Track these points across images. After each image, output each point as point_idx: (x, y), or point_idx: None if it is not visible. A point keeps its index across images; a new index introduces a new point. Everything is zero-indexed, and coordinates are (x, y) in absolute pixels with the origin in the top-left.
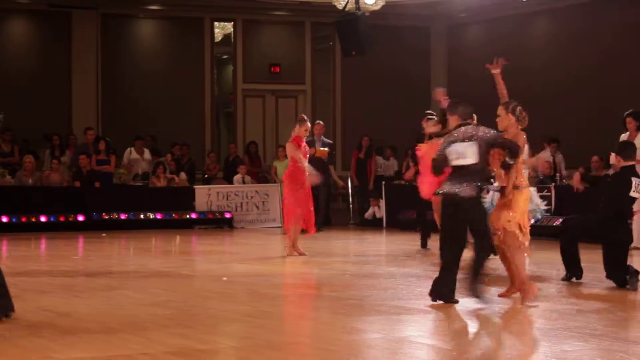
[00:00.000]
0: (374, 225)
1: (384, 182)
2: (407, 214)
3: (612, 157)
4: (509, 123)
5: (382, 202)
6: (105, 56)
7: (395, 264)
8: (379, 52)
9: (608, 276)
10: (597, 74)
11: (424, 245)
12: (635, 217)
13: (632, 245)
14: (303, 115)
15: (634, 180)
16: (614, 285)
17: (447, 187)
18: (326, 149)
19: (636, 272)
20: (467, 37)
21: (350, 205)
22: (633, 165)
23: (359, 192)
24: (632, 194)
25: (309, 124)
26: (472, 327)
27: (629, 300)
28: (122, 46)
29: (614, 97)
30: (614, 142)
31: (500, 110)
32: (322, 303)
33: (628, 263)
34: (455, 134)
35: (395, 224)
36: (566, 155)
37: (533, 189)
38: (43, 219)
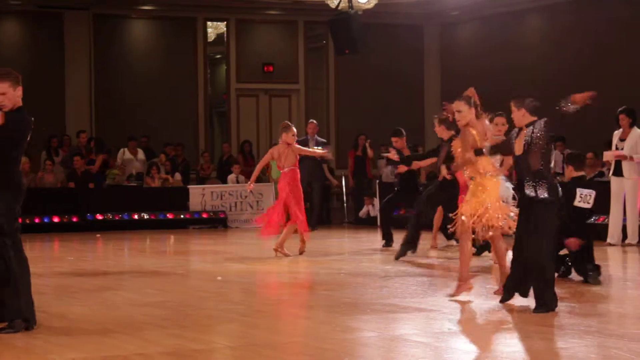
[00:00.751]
0: (369, 223)
1: (377, 181)
2: (402, 212)
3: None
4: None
5: (376, 201)
6: (98, 57)
7: (389, 262)
8: (372, 51)
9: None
10: (589, 70)
11: (389, 243)
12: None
13: (627, 241)
14: (286, 121)
15: (579, 191)
16: (609, 282)
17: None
18: (320, 147)
19: (597, 266)
20: (459, 35)
21: (345, 204)
22: (583, 176)
23: (356, 190)
24: (578, 203)
25: (294, 129)
26: (467, 325)
27: (624, 297)
28: (114, 47)
29: (607, 93)
30: (608, 138)
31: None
32: (317, 302)
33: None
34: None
35: (390, 222)
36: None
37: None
38: (37, 220)
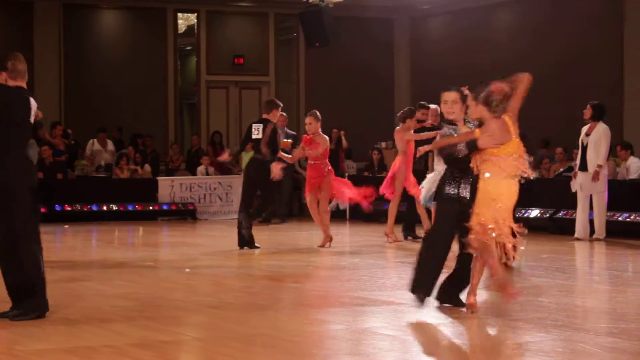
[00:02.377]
0: (337, 216)
1: (347, 174)
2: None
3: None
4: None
5: None
6: (68, 47)
7: (358, 255)
8: (342, 44)
9: None
10: (565, 66)
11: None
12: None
13: (594, 236)
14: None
15: None
16: (576, 275)
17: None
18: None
19: None
20: (430, 29)
21: None
22: None
23: None
24: None
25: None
26: (435, 319)
27: (590, 292)
28: (84, 37)
29: (583, 90)
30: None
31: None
32: (286, 294)
33: None
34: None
35: (358, 215)
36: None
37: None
38: None
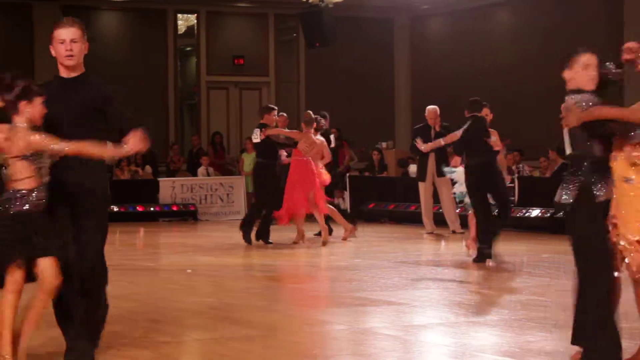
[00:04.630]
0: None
1: (348, 174)
2: (371, 205)
3: None
4: None
5: (347, 194)
6: None
7: (359, 255)
8: (342, 45)
9: None
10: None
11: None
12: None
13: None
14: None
15: None
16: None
17: None
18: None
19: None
20: (430, 29)
21: None
22: None
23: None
24: None
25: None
26: (437, 319)
27: None
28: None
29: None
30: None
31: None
32: (286, 295)
33: None
34: None
35: (360, 215)
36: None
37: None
38: None
